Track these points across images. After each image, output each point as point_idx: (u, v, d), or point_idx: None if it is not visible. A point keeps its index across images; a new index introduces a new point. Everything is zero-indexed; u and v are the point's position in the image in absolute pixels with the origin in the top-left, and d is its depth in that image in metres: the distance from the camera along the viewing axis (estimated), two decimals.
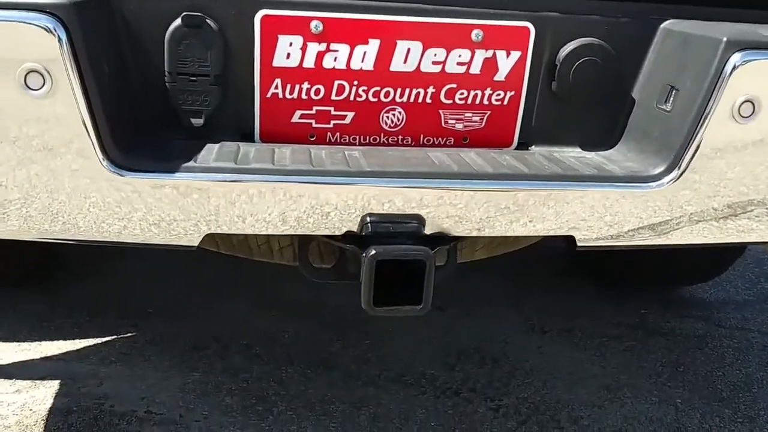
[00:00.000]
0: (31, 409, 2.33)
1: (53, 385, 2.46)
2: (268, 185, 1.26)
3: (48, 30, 1.13)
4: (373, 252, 1.30)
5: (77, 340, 2.73)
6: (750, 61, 1.28)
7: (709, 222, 1.41)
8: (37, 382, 2.49)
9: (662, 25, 1.45)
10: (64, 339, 2.74)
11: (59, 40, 1.14)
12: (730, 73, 1.28)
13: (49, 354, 2.67)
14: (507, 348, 2.75)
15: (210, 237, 1.60)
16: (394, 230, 1.34)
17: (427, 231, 1.36)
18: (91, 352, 2.69)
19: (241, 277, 3.12)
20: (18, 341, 2.73)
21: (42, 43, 1.13)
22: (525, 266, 3.37)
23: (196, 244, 1.32)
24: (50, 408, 2.34)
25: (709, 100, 1.29)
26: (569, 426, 2.34)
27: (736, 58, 1.27)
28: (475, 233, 1.37)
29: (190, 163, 1.25)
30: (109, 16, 1.27)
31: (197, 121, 1.38)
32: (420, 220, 1.35)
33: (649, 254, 2.34)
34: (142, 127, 1.36)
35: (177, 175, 1.24)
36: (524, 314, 3.00)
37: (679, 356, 2.76)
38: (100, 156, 1.20)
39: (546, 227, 1.38)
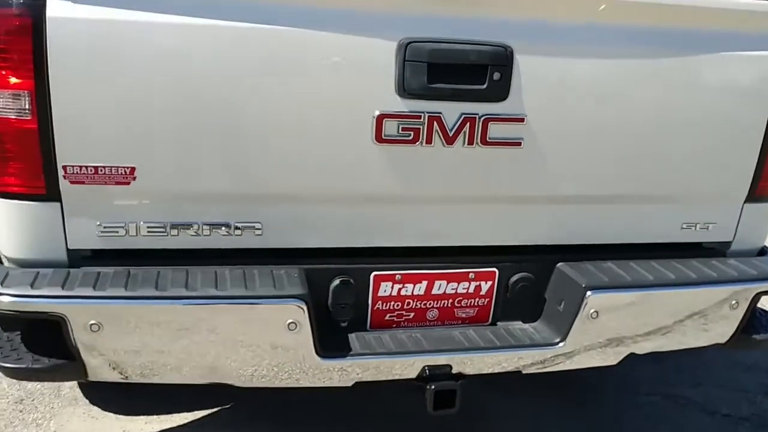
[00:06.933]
0: None
1: None
2: (387, 362, 2.82)
3: (298, 304, 2.63)
4: (433, 387, 2.86)
5: None
6: (596, 294, 2.90)
7: (579, 357, 3.04)
8: None
9: (557, 265, 3.06)
10: None
11: (302, 308, 2.64)
12: (587, 299, 2.89)
13: None
14: None
15: None
16: (439, 372, 2.91)
17: (454, 371, 2.93)
18: None
19: None
20: None
21: (296, 310, 2.63)
22: None
23: (350, 385, 2.86)
24: None
25: (578, 311, 2.91)
26: None
27: (589, 292, 2.89)
28: (477, 373, 2.96)
29: (351, 353, 2.79)
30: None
31: (344, 324, 2.92)
32: (450, 367, 2.92)
33: None
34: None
35: (347, 360, 2.78)
36: None
37: None
38: (316, 355, 2.71)
39: (505, 369, 2.98)
